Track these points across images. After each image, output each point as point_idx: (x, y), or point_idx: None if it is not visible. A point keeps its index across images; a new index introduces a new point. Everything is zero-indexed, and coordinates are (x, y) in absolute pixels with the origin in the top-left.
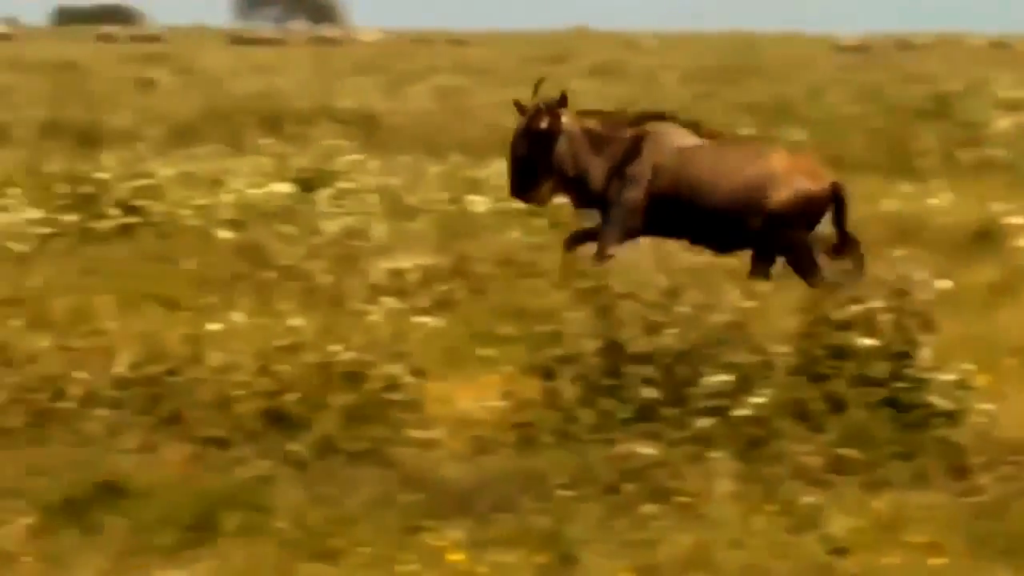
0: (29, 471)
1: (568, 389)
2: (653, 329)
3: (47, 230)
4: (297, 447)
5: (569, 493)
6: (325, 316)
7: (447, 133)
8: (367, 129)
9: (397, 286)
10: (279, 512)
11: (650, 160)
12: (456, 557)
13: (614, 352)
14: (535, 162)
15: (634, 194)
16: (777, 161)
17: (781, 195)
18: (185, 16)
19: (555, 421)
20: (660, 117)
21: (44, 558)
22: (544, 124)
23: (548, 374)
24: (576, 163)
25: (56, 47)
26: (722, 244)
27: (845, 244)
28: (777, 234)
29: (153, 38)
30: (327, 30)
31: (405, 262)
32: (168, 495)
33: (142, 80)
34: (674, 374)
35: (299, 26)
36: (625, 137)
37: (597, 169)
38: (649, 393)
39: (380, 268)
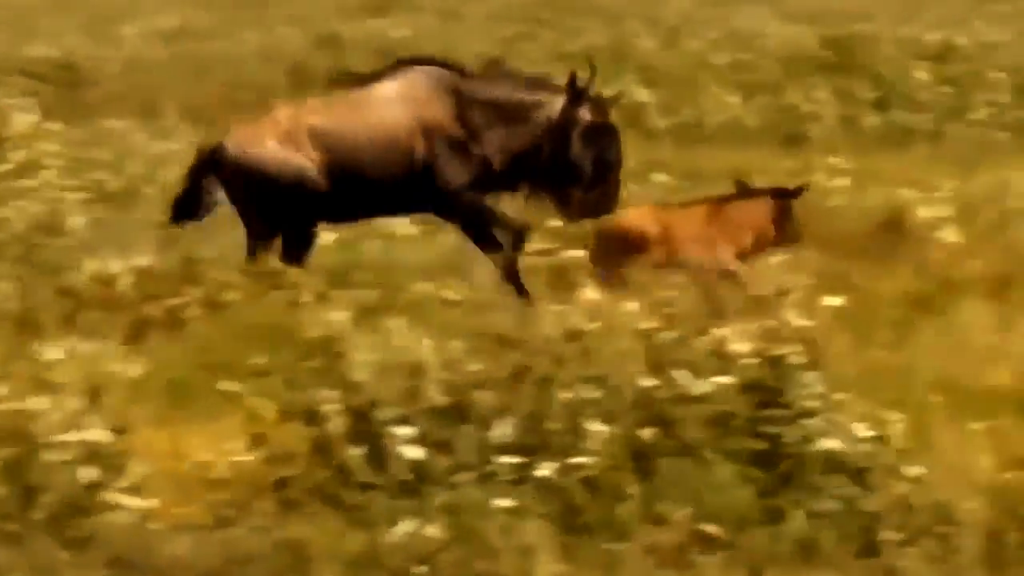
0: None
1: (342, 437)
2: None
3: None
4: None
5: None
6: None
7: (170, 91)
8: (59, 85)
9: (104, 297)
10: None
11: None
12: None
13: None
14: None
15: None
16: None
17: None
18: None
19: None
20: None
21: None
22: None
23: (314, 417)
24: None
25: None
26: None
27: None
28: None
29: None
30: None
31: (114, 265)
32: None
33: None
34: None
35: None
36: None
37: None
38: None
39: (82, 274)
